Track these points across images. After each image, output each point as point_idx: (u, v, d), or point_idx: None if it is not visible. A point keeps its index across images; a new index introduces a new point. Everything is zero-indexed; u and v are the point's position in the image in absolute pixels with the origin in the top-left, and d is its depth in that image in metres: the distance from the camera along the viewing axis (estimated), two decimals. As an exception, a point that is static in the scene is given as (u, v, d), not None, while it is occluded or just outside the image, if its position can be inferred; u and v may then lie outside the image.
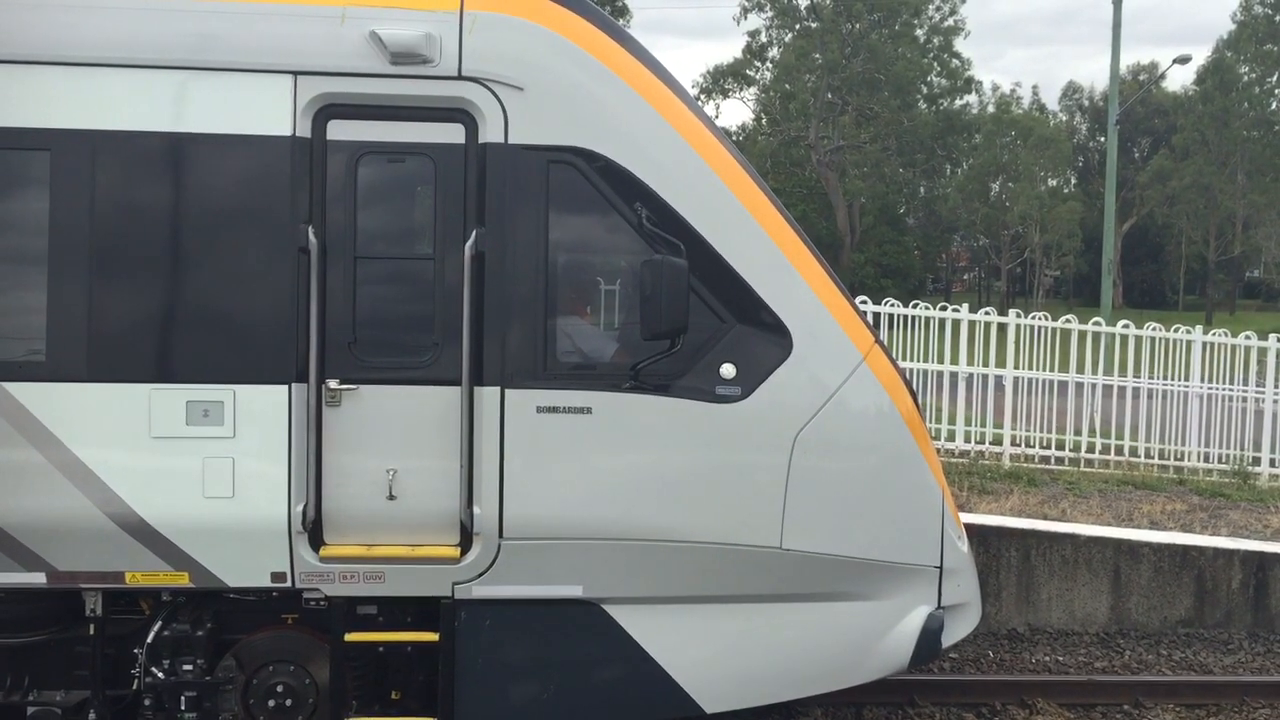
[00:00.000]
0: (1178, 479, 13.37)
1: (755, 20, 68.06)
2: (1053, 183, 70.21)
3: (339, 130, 5.59)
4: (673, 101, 5.89)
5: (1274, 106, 68.69)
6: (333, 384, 5.58)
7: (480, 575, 5.68)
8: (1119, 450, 14.23)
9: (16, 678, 5.88)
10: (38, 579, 5.53)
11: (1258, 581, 9.74)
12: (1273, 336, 14.48)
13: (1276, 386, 14.18)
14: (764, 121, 68.44)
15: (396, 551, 5.64)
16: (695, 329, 5.65)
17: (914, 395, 6.30)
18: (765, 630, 6.01)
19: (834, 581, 5.99)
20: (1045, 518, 10.42)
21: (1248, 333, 14.91)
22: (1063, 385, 14.29)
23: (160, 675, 5.79)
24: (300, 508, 5.52)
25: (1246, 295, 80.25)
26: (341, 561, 5.61)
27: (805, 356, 5.81)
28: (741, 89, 68.60)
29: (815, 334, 5.85)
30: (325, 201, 5.58)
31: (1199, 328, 15.09)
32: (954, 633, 6.35)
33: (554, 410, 5.62)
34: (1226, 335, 14.85)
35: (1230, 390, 14.65)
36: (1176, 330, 14.80)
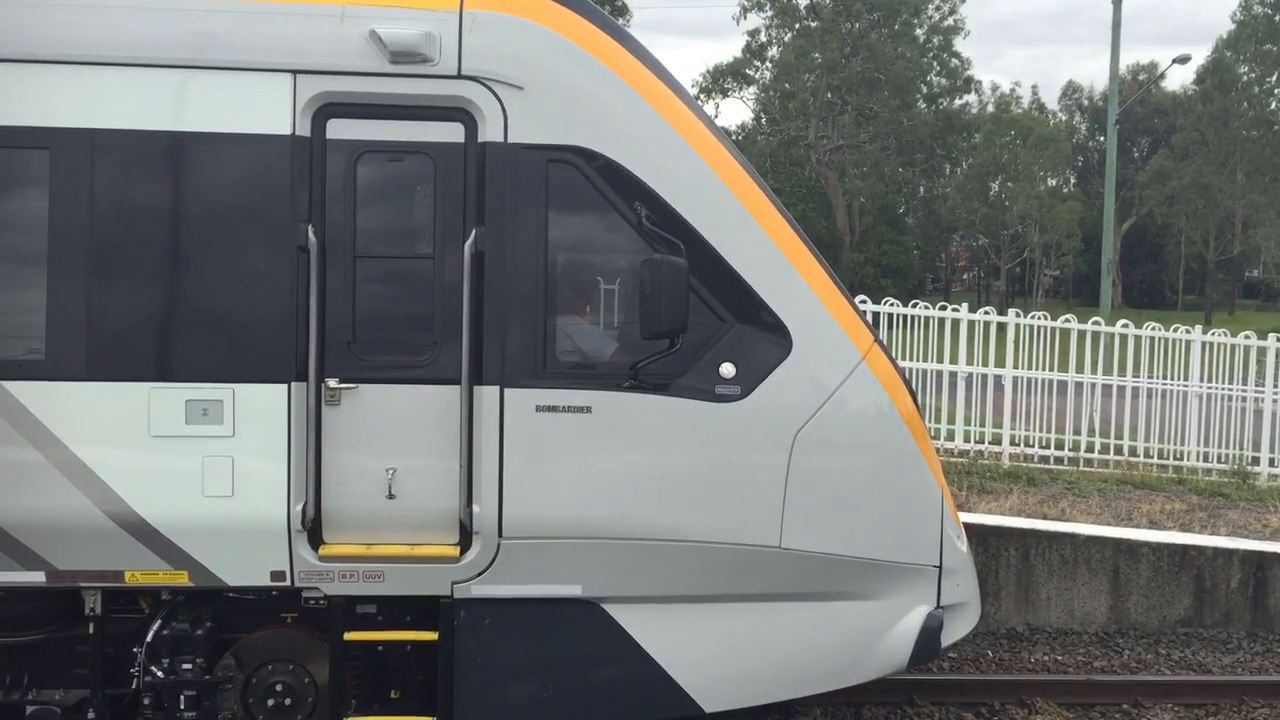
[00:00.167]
0: (1177, 479, 13.38)
1: (755, 20, 68.19)
2: (1052, 182, 70.21)
3: (339, 129, 5.59)
4: (673, 101, 5.89)
5: (1273, 106, 68.68)
6: (332, 383, 5.58)
7: (479, 574, 5.68)
8: (1118, 450, 14.23)
9: (16, 677, 5.88)
10: (37, 578, 5.53)
11: (1257, 581, 9.75)
12: (1272, 336, 14.48)
13: (1276, 386, 14.19)
14: (763, 121, 68.46)
15: (396, 550, 5.64)
16: (695, 328, 5.65)
17: (913, 395, 6.31)
18: (764, 629, 6.01)
19: (833, 581, 5.99)
20: (1044, 517, 10.43)
21: (1247, 332, 14.92)
22: (1062, 385, 14.29)
23: (159, 674, 5.79)
24: (300, 507, 5.52)
25: (1246, 295, 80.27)
26: (341, 560, 5.61)
27: (805, 356, 5.81)
28: (741, 88, 68.66)
29: (815, 333, 5.85)
30: (325, 200, 5.58)
31: (1198, 327, 15.10)
32: (953, 632, 6.35)
33: (553, 409, 5.62)
34: (1226, 335, 14.86)
35: (1229, 390, 14.66)
36: (1176, 330, 14.80)
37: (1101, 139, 71.54)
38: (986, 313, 14.71)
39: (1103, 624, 9.71)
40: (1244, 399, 14.65)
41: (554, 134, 5.64)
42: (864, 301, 13.43)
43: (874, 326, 7.38)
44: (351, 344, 5.61)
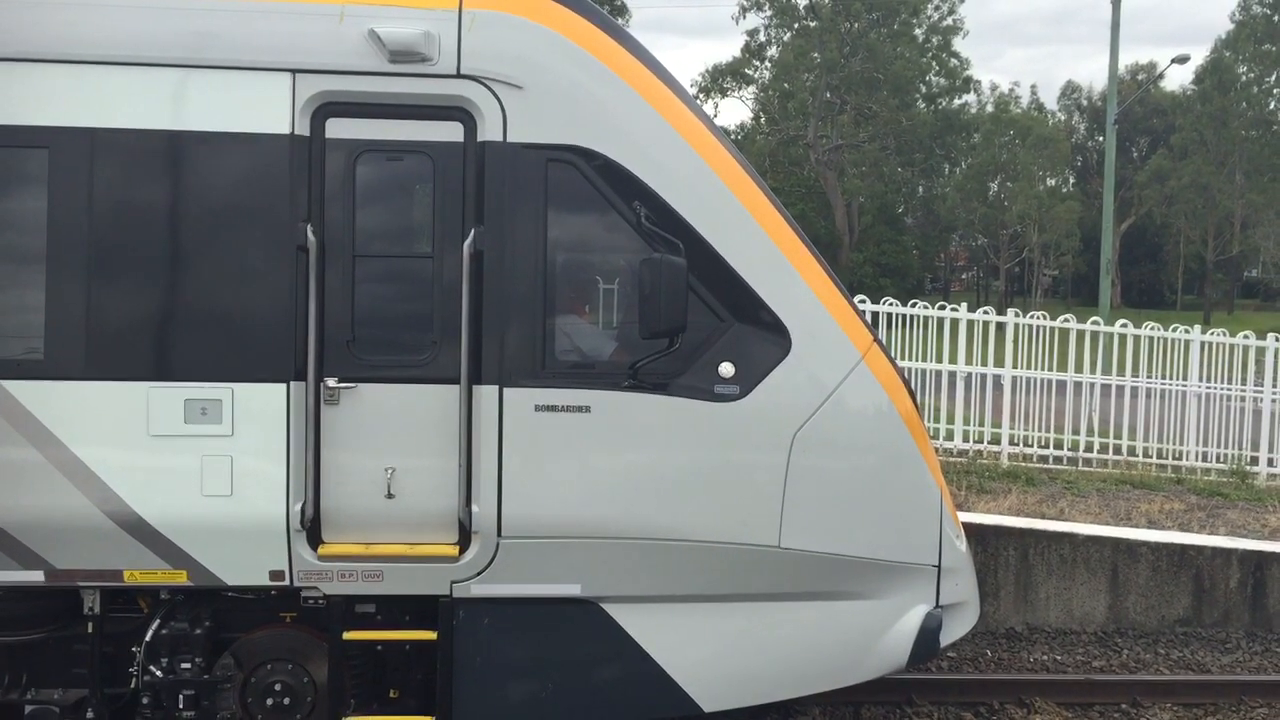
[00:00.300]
0: (1176, 478, 13.38)
1: (754, 19, 68.35)
2: (1051, 182, 70.24)
3: (338, 128, 5.59)
4: (672, 101, 5.89)
5: (1272, 106, 68.73)
6: (331, 382, 5.58)
7: (478, 574, 5.68)
8: (1117, 449, 14.24)
9: (14, 676, 5.88)
10: (36, 577, 5.53)
11: (1255, 581, 9.75)
12: (1271, 336, 14.49)
13: (1274, 386, 14.20)
14: (763, 120, 68.46)
15: (395, 550, 5.64)
16: (694, 328, 5.64)
17: (912, 394, 6.31)
18: (763, 629, 6.01)
19: (832, 580, 6.00)
20: (1043, 517, 10.43)
21: (1246, 332, 14.92)
22: (1061, 385, 14.30)
23: (158, 673, 5.78)
24: (299, 506, 5.52)
25: (1244, 295, 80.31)
26: (340, 560, 5.61)
27: (804, 355, 5.81)
28: (740, 88, 68.64)
29: (814, 333, 5.85)
30: (324, 200, 5.58)
31: (1197, 327, 15.10)
32: (952, 632, 6.35)
33: (552, 409, 5.62)
34: (1224, 335, 14.86)
35: (1228, 390, 14.66)
36: (1175, 330, 14.81)
37: (1100, 139, 71.56)
38: (985, 312, 14.70)
39: (1101, 624, 9.71)
40: (1243, 399, 14.66)
41: (553, 133, 5.64)
42: (863, 301, 13.43)
43: (873, 326, 7.38)
44: (350, 343, 5.61)
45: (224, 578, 5.61)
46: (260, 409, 5.50)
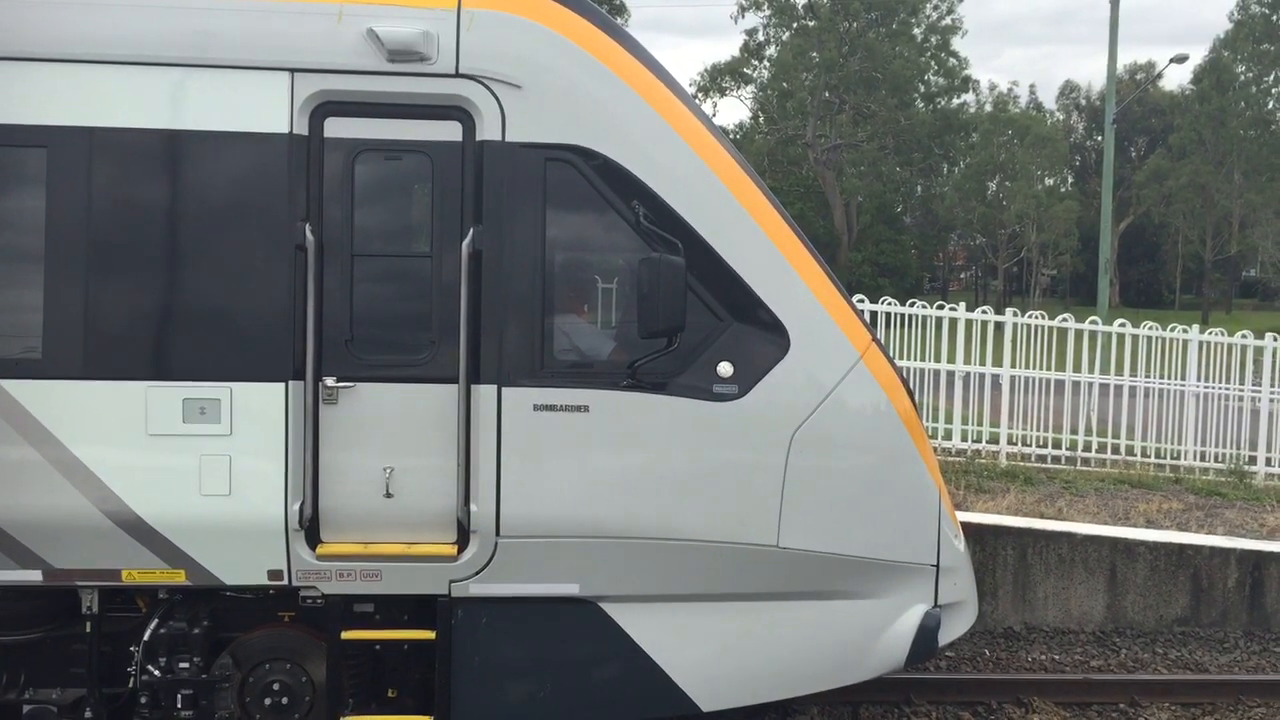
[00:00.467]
0: (1174, 478, 13.39)
1: (753, 19, 68.28)
2: (1050, 182, 70.29)
3: (336, 128, 5.59)
4: (671, 100, 5.89)
5: (1270, 106, 68.76)
6: (330, 381, 5.57)
7: (477, 573, 5.68)
8: (1115, 449, 14.25)
9: (12, 676, 5.87)
10: (34, 576, 5.52)
11: (1253, 580, 9.76)
12: (1269, 335, 14.51)
13: (1273, 386, 14.21)
14: (761, 120, 68.46)
15: (393, 549, 5.63)
16: (692, 327, 5.64)
17: (911, 394, 6.31)
18: (762, 629, 6.01)
19: (831, 580, 6.00)
20: (1042, 516, 10.43)
21: (1244, 332, 14.94)
22: (1059, 384, 14.31)
23: (156, 673, 5.78)
24: (297, 505, 5.52)
25: (1243, 294, 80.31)
26: (338, 559, 5.60)
27: (802, 355, 5.81)
28: (739, 87, 68.63)
29: (812, 333, 5.85)
30: (322, 199, 5.58)
31: (1195, 327, 15.12)
32: (950, 631, 6.35)
33: (551, 408, 5.62)
34: (1223, 334, 14.88)
35: (1226, 389, 14.68)
36: (1173, 329, 14.82)
37: (1099, 138, 71.65)
38: (984, 312, 14.71)
39: (1100, 623, 9.72)
40: (1241, 398, 14.67)
41: (552, 133, 5.63)
42: (861, 301, 13.44)
43: (871, 326, 7.38)
44: (349, 343, 5.60)
45: (222, 577, 5.60)
46: (259, 408, 5.50)
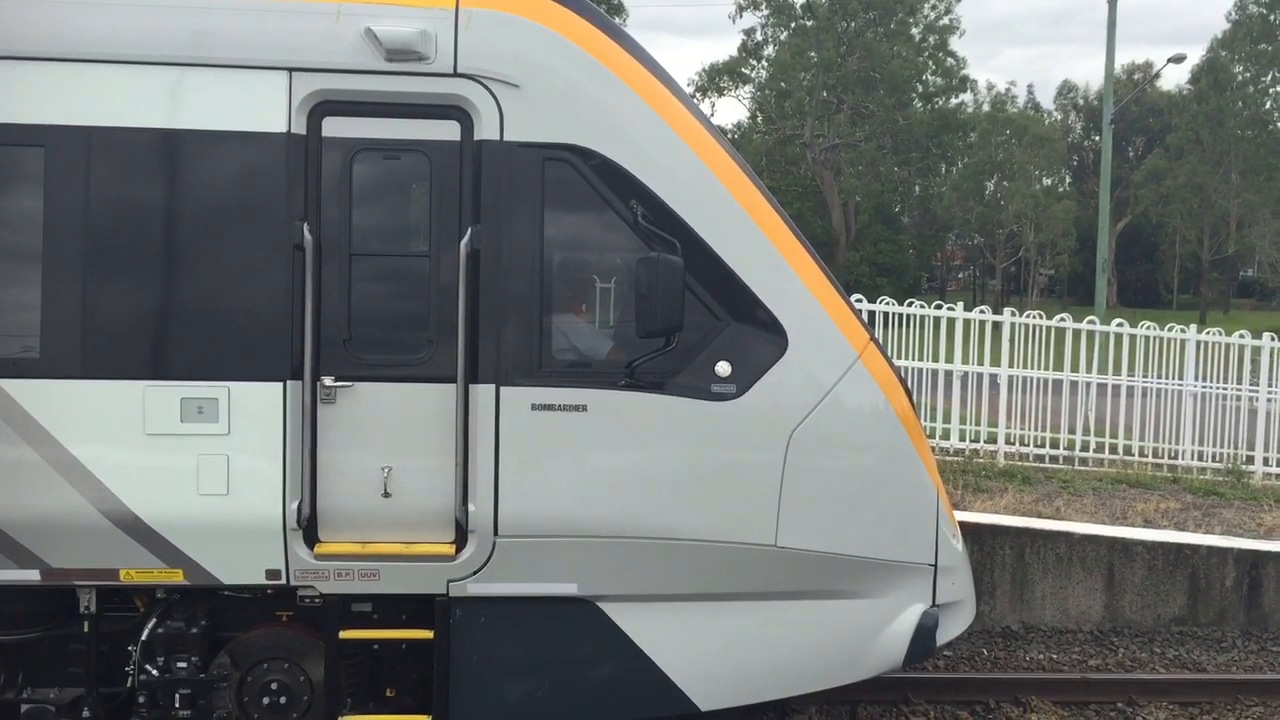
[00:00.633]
0: (1172, 477, 13.41)
1: (751, 19, 68.19)
2: (1047, 181, 70.30)
3: (334, 127, 5.58)
4: (669, 100, 5.88)
5: (1268, 105, 68.81)
6: (328, 381, 5.57)
7: (475, 573, 5.67)
8: (1113, 449, 14.26)
9: (10, 675, 5.86)
10: (32, 576, 5.52)
11: (1251, 580, 9.77)
12: (1266, 335, 14.52)
13: (1270, 385, 14.22)
14: (759, 120, 68.41)
15: (391, 549, 5.63)
16: (690, 327, 5.64)
17: (909, 393, 6.31)
18: (760, 628, 6.01)
19: (829, 579, 6.00)
20: (1040, 516, 10.44)
21: (1241, 331, 14.95)
22: (1057, 384, 14.33)
23: (154, 673, 5.78)
24: (295, 505, 5.52)
25: (1240, 294, 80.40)
26: (336, 559, 5.60)
27: (800, 354, 5.81)
28: (737, 87, 68.57)
29: (810, 332, 5.85)
30: (320, 198, 5.57)
31: (1193, 326, 15.13)
32: (948, 631, 6.36)
33: (549, 408, 5.62)
34: (1220, 334, 14.89)
35: (1224, 389, 14.69)
36: (1171, 329, 14.83)
37: (1097, 138, 71.75)
38: (982, 312, 14.72)
39: (1097, 622, 9.73)
40: (1239, 398, 14.69)
41: (550, 132, 5.63)
42: (859, 300, 13.44)
43: (870, 325, 7.38)
44: (347, 342, 5.60)
45: (220, 577, 5.60)
46: (257, 408, 5.49)
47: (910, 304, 14.58)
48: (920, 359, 14.18)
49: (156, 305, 5.46)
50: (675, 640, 5.92)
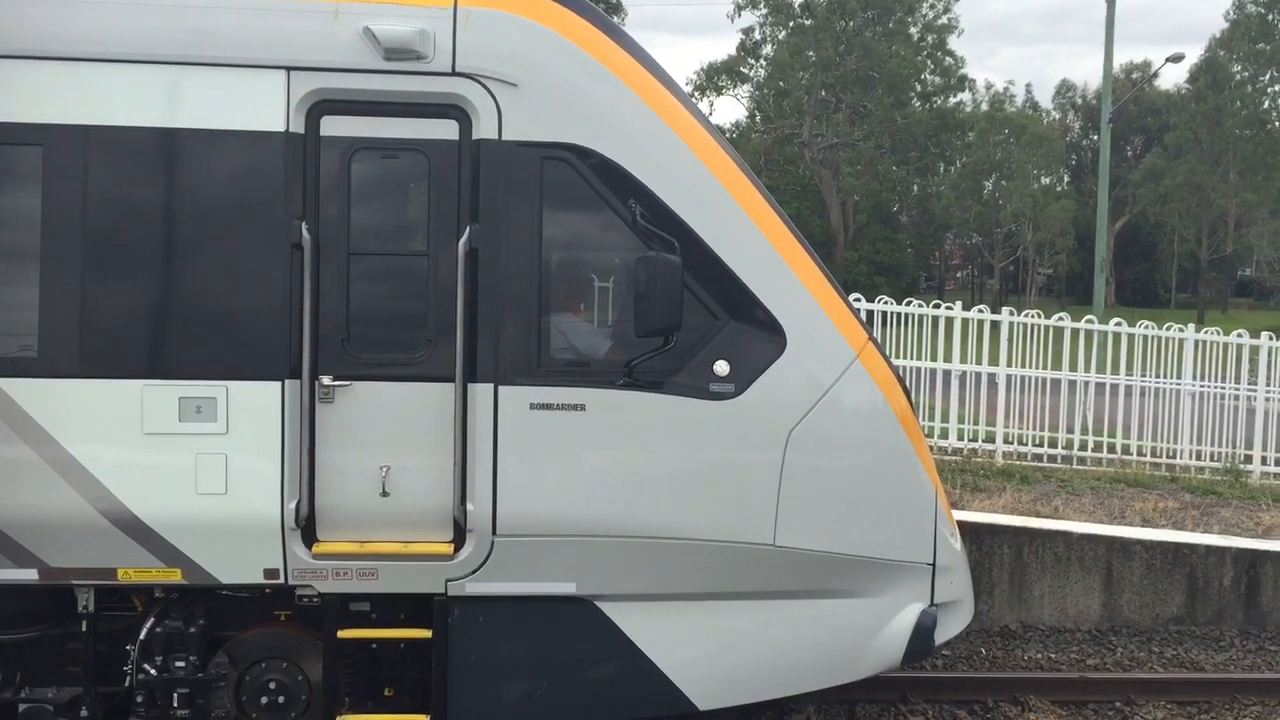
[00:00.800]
0: (1170, 477, 13.41)
1: (749, 18, 68.11)
2: (1046, 181, 70.27)
3: (332, 126, 5.58)
4: (668, 99, 5.88)
5: (1266, 105, 68.81)
6: (326, 380, 5.57)
7: (473, 572, 5.67)
8: (1111, 448, 14.27)
9: (8, 674, 5.86)
10: (29, 575, 5.52)
11: (1249, 579, 9.77)
12: (1265, 335, 14.53)
13: (1268, 385, 14.22)
14: (758, 119, 68.38)
15: (390, 548, 5.63)
16: (689, 326, 5.64)
17: (907, 393, 6.31)
18: (758, 627, 6.01)
19: (827, 578, 6.00)
20: (1038, 515, 10.44)
21: (1240, 331, 14.96)
22: (1055, 383, 14.33)
23: (152, 672, 5.77)
24: (293, 504, 5.51)
25: (1238, 294, 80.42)
26: (334, 558, 5.60)
27: (799, 354, 5.81)
28: (735, 86, 68.54)
29: (809, 331, 5.85)
30: (319, 197, 5.57)
31: (1191, 326, 15.13)
32: (947, 630, 6.36)
33: (548, 407, 5.62)
34: (1219, 333, 14.89)
35: (1222, 388, 14.70)
36: (1169, 328, 14.83)
37: (1095, 138, 71.80)
38: (980, 311, 14.72)
39: (1096, 622, 9.73)
40: (1237, 397, 14.70)
41: (549, 131, 5.63)
42: (858, 299, 13.44)
43: (868, 324, 7.38)
44: (345, 341, 5.60)
45: (218, 576, 5.60)
46: (255, 407, 5.49)
47: (908, 303, 14.58)
48: (918, 358, 14.18)
49: (155, 304, 5.46)
50: (673, 639, 5.92)
